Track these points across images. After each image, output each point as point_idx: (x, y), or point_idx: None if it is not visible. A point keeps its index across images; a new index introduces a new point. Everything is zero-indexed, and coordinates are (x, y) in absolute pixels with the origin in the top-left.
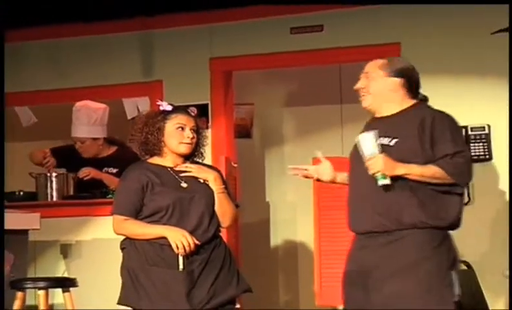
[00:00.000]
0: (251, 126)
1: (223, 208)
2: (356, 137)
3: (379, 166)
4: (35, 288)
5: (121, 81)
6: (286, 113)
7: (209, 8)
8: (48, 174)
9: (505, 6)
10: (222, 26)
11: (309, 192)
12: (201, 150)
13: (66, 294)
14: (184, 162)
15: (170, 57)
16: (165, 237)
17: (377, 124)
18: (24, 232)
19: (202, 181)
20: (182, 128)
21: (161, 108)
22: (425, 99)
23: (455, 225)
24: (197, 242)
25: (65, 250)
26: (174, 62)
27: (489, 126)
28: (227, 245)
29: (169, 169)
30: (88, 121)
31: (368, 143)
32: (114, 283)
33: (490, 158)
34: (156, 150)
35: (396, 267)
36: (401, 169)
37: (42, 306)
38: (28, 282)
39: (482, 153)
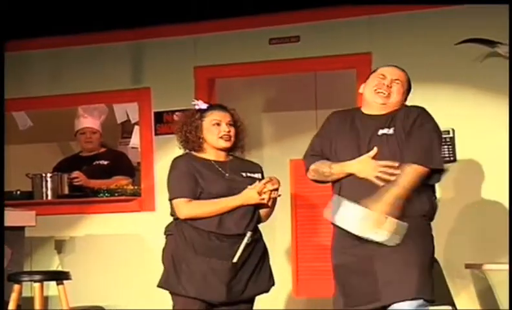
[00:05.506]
0: None
1: (269, 209)
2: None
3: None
4: (31, 281)
5: (111, 88)
6: (265, 119)
7: (193, 21)
8: (44, 175)
9: (467, 18)
10: (206, 37)
11: (286, 190)
12: (241, 143)
13: (60, 286)
14: (227, 156)
15: (157, 66)
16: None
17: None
18: (21, 229)
19: (244, 174)
20: (218, 124)
21: (196, 107)
22: None
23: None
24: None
25: (59, 246)
26: (161, 70)
27: (453, 130)
28: (264, 242)
29: (212, 162)
30: (99, 116)
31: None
32: (105, 276)
33: (454, 160)
34: (196, 146)
35: (399, 246)
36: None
37: (37, 298)
38: (25, 275)
39: (447, 155)
